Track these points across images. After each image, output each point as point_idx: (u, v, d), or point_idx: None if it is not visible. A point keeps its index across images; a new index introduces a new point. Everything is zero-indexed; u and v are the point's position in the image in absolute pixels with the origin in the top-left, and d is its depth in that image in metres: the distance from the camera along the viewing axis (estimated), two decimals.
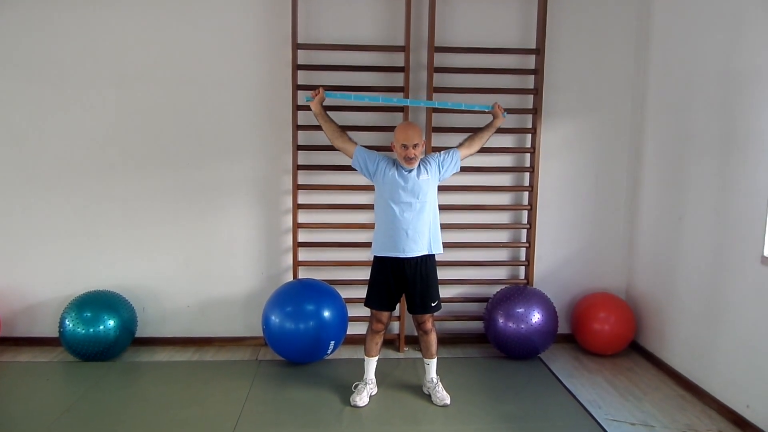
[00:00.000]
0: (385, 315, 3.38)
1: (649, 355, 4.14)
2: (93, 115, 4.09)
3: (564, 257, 4.43)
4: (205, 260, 4.29)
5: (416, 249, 3.23)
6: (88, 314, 3.92)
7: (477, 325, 4.39)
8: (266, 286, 4.31)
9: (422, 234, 3.24)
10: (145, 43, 4.05)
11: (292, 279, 4.23)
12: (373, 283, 3.35)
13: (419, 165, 3.25)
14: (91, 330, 3.90)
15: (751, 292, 3.17)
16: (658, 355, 4.04)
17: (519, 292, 4.07)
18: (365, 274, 4.19)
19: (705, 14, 3.57)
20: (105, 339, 3.91)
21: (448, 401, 3.37)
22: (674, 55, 3.90)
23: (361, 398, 3.35)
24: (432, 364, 3.47)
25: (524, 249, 4.35)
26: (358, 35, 4.09)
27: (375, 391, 3.48)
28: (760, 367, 3.11)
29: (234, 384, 3.63)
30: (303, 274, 4.23)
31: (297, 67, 4.00)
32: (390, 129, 4.11)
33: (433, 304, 3.34)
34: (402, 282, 3.30)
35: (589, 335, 4.16)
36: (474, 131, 3.53)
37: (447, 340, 4.35)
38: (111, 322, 3.94)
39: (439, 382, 3.46)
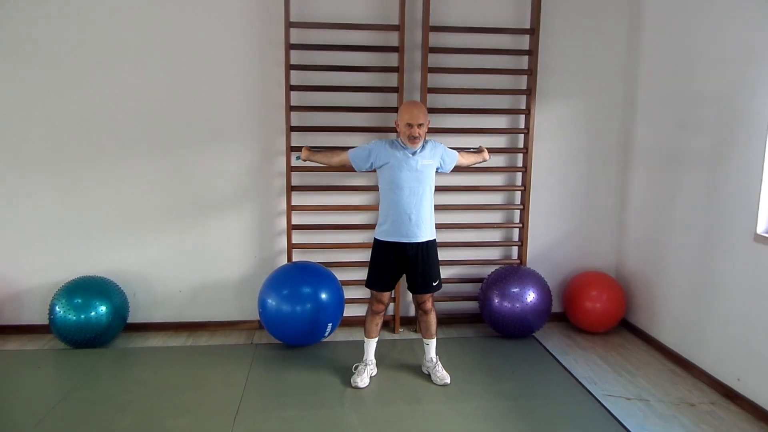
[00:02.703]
0: (386, 296, 3.38)
1: (639, 332, 4.23)
2: (80, 97, 3.97)
3: (556, 237, 4.48)
4: (197, 244, 4.23)
5: (419, 234, 3.23)
6: (79, 300, 3.84)
7: (471, 306, 4.43)
8: (260, 269, 4.27)
9: (425, 219, 3.24)
10: (133, 24, 3.93)
11: (286, 262, 4.20)
12: (374, 265, 3.34)
13: (424, 148, 3.24)
14: (83, 316, 3.82)
15: (744, 269, 3.24)
16: (648, 332, 4.13)
17: (513, 271, 4.11)
18: (361, 256, 4.24)
19: None
20: (97, 325, 3.84)
21: (448, 380, 3.40)
22: (667, 38, 3.93)
23: (362, 379, 3.36)
24: (432, 344, 3.49)
25: (517, 229, 4.38)
26: (352, 14, 4.03)
27: (375, 372, 3.49)
28: (750, 341, 3.20)
29: (232, 368, 3.61)
30: (297, 256, 4.21)
31: (290, 47, 3.93)
32: (380, 130, 4.10)
33: (434, 284, 3.36)
34: (404, 263, 3.30)
35: (581, 313, 4.23)
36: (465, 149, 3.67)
37: (442, 320, 4.35)
38: (102, 308, 3.87)
39: (439, 362, 3.48)
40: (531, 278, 4.07)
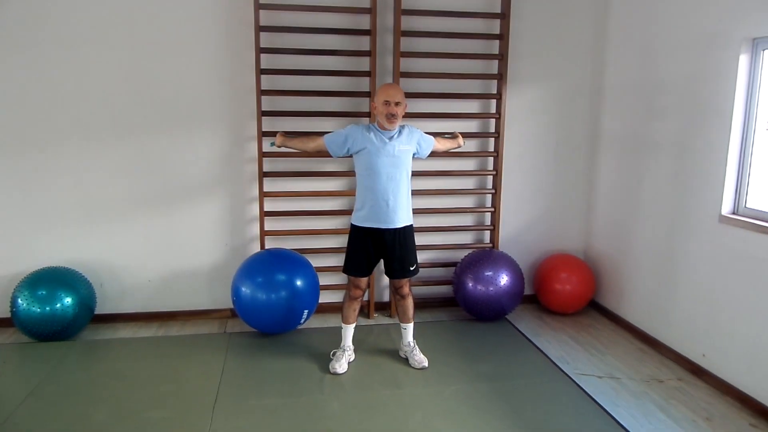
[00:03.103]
0: (363, 281, 3.38)
1: (607, 312, 4.35)
2: (39, 80, 3.80)
3: (526, 221, 4.55)
4: (166, 232, 4.12)
5: (397, 220, 3.23)
6: (43, 292, 3.71)
7: (444, 290, 4.46)
8: (231, 257, 4.20)
9: (402, 205, 3.23)
10: (95, 2, 3.76)
11: (259, 249, 4.14)
12: (351, 251, 3.32)
13: (401, 134, 3.22)
14: (48, 308, 3.69)
15: (709, 250, 3.36)
16: (616, 312, 4.25)
17: (487, 255, 4.16)
18: (335, 242, 4.22)
19: None
20: (63, 317, 3.72)
21: (426, 364, 3.43)
22: (633, 25, 4.00)
23: (341, 365, 3.36)
24: (409, 329, 3.51)
25: (489, 214, 4.43)
26: None
27: (353, 357, 3.49)
28: (715, 319, 3.33)
29: (207, 357, 3.55)
30: (270, 243, 4.15)
31: (260, 29, 3.84)
32: (353, 115, 4.07)
33: (411, 268, 3.37)
34: (381, 249, 3.30)
35: (552, 295, 4.32)
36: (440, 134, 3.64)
37: (416, 305, 4.35)
38: (68, 300, 3.74)
39: (416, 346, 3.51)
40: (504, 262, 4.12)
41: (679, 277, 3.61)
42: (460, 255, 4.37)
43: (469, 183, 4.42)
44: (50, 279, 3.80)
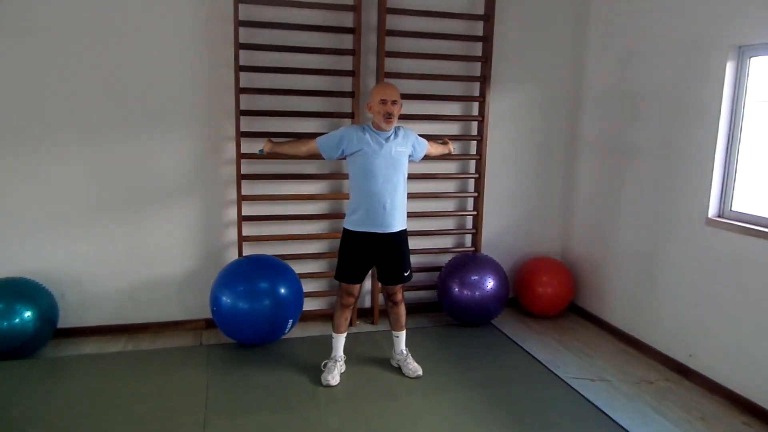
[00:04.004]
0: (356, 288, 3.25)
1: (587, 315, 4.38)
2: None
3: (506, 224, 4.53)
4: (135, 239, 3.86)
5: (394, 224, 3.12)
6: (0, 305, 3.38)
7: (426, 294, 4.38)
8: (205, 264, 3.98)
9: (399, 209, 3.13)
10: None
11: (236, 255, 3.94)
12: (345, 256, 3.19)
13: (397, 135, 3.11)
14: (5, 324, 3.36)
15: (695, 252, 3.42)
16: (597, 314, 4.29)
17: (471, 259, 4.11)
18: (316, 247, 4.08)
19: None
20: (22, 333, 3.40)
21: (420, 372, 3.33)
22: (614, 29, 4.06)
23: (333, 377, 3.22)
24: (401, 336, 3.41)
25: (471, 217, 4.38)
26: None
27: (344, 368, 3.35)
28: (701, 320, 3.39)
29: (187, 373, 3.33)
30: (247, 249, 3.95)
31: (239, 23, 3.64)
32: (335, 115, 3.95)
33: (405, 274, 3.26)
34: (376, 254, 3.18)
35: (534, 298, 4.31)
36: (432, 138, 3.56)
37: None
38: (28, 313, 3.43)
39: (409, 354, 3.41)
40: (489, 265, 4.08)
41: (663, 279, 3.66)
42: (442, 259, 4.31)
43: (451, 186, 4.36)
44: (7, 291, 3.47)
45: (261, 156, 3.32)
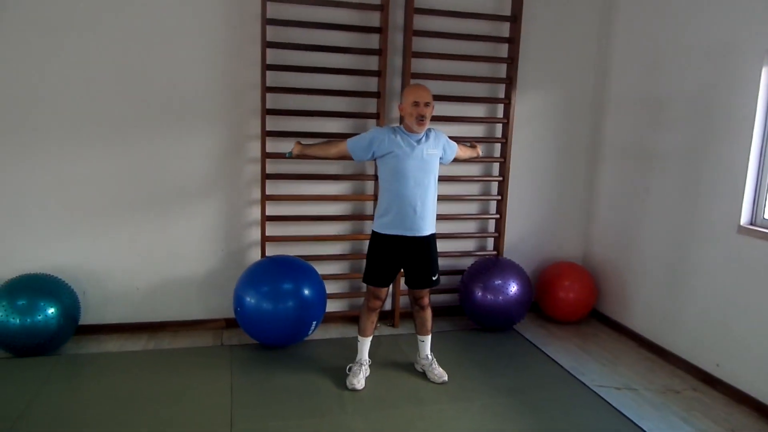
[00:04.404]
0: (384, 291, 3.22)
1: (609, 321, 4.34)
2: (17, 70, 3.44)
3: (527, 228, 4.49)
4: (156, 236, 3.83)
5: (424, 227, 3.09)
6: (23, 302, 3.37)
7: (447, 298, 4.35)
8: (227, 263, 3.95)
9: (429, 212, 3.10)
10: None
11: (259, 255, 3.91)
12: (373, 259, 3.16)
13: (428, 137, 3.08)
14: (29, 320, 3.35)
15: (726, 260, 3.38)
16: (619, 321, 4.25)
17: (494, 263, 4.07)
18: (337, 248, 4.06)
19: None
20: (45, 329, 3.38)
21: (446, 378, 3.30)
22: (639, 34, 4.01)
23: (359, 381, 3.19)
24: (427, 341, 3.38)
25: (494, 220, 4.35)
26: None
27: (368, 372, 3.32)
28: (730, 329, 3.35)
29: (210, 374, 3.31)
30: (270, 249, 3.92)
31: (267, 22, 3.61)
32: (360, 116, 3.92)
33: (434, 278, 3.23)
34: (405, 257, 3.15)
35: (555, 303, 4.28)
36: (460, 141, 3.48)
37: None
38: (51, 310, 3.41)
39: (434, 359, 3.38)
40: (512, 270, 4.05)
41: (691, 287, 3.62)
42: (463, 262, 4.27)
43: (474, 189, 4.32)
44: (31, 287, 3.46)
45: (289, 157, 3.28)
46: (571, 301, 4.25)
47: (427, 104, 2.98)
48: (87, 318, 3.76)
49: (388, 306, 4.24)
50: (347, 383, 3.19)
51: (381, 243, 3.13)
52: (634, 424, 2.99)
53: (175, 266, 3.90)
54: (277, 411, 2.94)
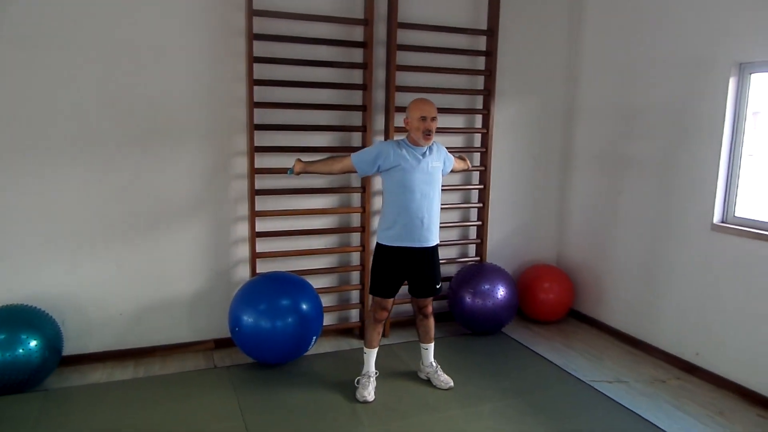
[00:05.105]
0: (390, 302, 3.24)
1: (588, 319, 4.54)
2: None
3: (506, 234, 4.64)
4: (139, 258, 3.68)
5: (431, 238, 3.15)
6: (1, 336, 3.14)
7: (434, 305, 4.37)
8: (214, 283, 3.85)
9: (435, 223, 3.16)
10: None
11: (246, 272, 3.84)
12: (380, 271, 3.17)
13: (431, 150, 3.14)
14: (8, 354, 3.13)
15: (701, 256, 3.63)
16: (596, 318, 4.46)
17: (481, 269, 4.18)
18: (325, 261, 4.04)
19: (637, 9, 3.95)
20: (27, 364, 3.17)
21: (452, 384, 3.36)
22: (609, 45, 4.26)
23: (369, 392, 3.19)
24: (430, 349, 3.42)
25: (475, 227, 4.46)
26: (317, 5, 3.77)
27: (375, 383, 3.32)
28: (707, 319, 3.60)
29: (214, 397, 3.21)
30: (259, 266, 3.85)
31: (253, 37, 3.57)
32: (347, 129, 3.95)
33: (438, 287, 3.29)
34: (410, 268, 3.18)
35: (536, 305, 4.43)
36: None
37: (408, 322, 4.26)
38: (33, 342, 3.20)
39: (439, 366, 3.42)
40: (499, 275, 4.17)
41: (667, 282, 3.85)
42: (447, 270, 4.35)
43: (455, 197, 4.42)
44: (8, 319, 3.24)
45: (290, 176, 3.25)
46: (552, 302, 4.41)
47: (433, 119, 3.04)
48: (67, 348, 3.55)
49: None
50: (357, 396, 3.19)
51: (387, 255, 3.15)
52: (635, 413, 3.15)
53: (160, 288, 3.75)
54: (293, 429, 2.89)
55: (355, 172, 3.16)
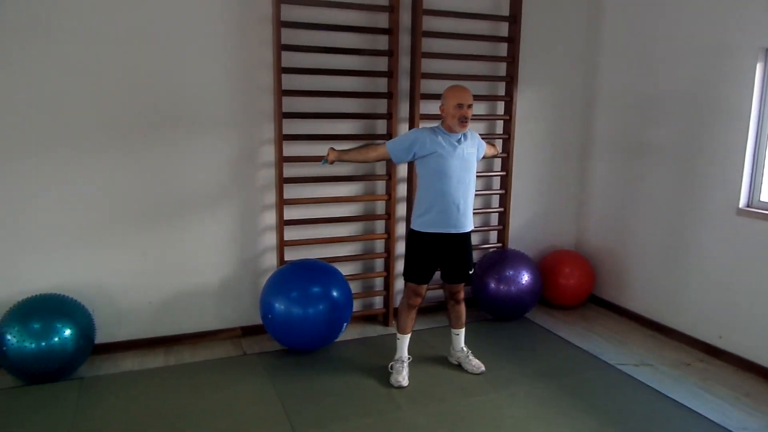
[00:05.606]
0: (424, 288, 3.27)
1: (608, 304, 4.59)
2: (18, 78, 3.21)
3: (527, 220, 4.67)
4: (167, 247, 3.69)
5: (467, 224, 3.18)
6: (37, 325, 3.15)
7: None
8: (241, 271, 3.87)
9: (470, 209, 3.18)
10: None
11: (273, 260, 3.86)
12: (414, 257, 3.20)
13: (466, 137, 3.15)
14: (43, 344, 3.14)
15: (726, 240, 3.67)
16: (618, 303, 4.50)
17: (505, 255, 4.22)
18: (350, 249, 4.08)
19: None
20: (62, 352, 3.18)
21: (483, 368, 3.40)
22: (629, 32, 4.26)
23: (403, 377, 3.23)
24: (461, 334, 3.46)
25: (497, 214, 4.49)
26: None
27: (408, 369, 3.35)
28: (731, 303, 3.65)
29: (250, 384, 3.24)
30: (288, 254, 3.86)
31: (281, 24, 3.55)
32: (373, 116, 3.95)
33: (470, 273, 3.32)
34: (445, 254, 3.21)
35: (557, 290, 4.47)
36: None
37: (430, 308, 4.31)
38: (67, 331, 3.21)
39: (470, 351, 3.46)
40: (522, 261, 4.20)
41: (691, 267, 3.89)
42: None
43: (477, 184, 4.40)
44: (43, 308, 3.25)
45: (324, 165, 3.26)
46: (572, 287, 4.46)
47: (469, 106, 3.06)
48: (98, 337, 3.55)
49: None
50: (392, 381, 3.22)
51: (422, 241, 3.17)
52: (665, 395, 3.21)
53: (188, 277, 3.76)
54: (333, 413, 2.93)
55: (390, 159, 3.17)
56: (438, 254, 3.20)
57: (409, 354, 3.39)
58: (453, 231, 3.14)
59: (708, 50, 3.69)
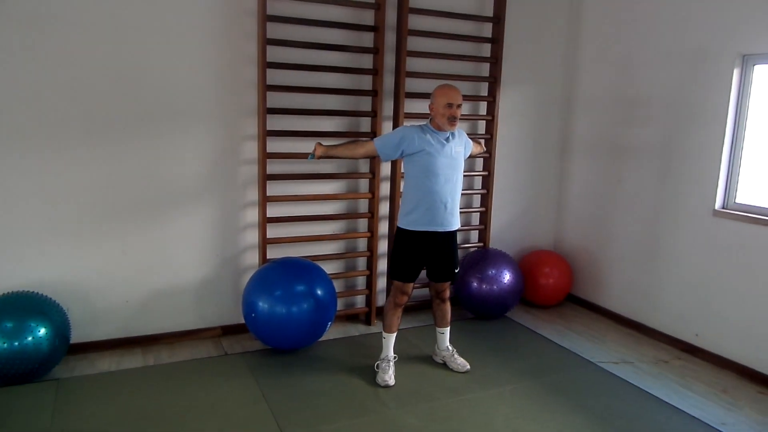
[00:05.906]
0: (410, 286, 3.25)
1: (586, 303, 4.65)
2: None
3: (507, 220, 4.71)
4: (145, 245, 3.59)
5: (453, 222, 3.18)
6: (9, 324, 3.02)
7: None
8: (222, 269, 3.79)
9: (457, 208, 3.19)
10: None
11: (255, 259, 3.79)
12: (401, 255, 3.18)
13: (454, 135, 3.15)
14: (16, 343, 3.01)
15: (702, 241, 3.76)
16: (595, 302, 4.57)
17: (487, 254, 4.24)
18: (332, 247, 4.04)
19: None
20: (36, 352, 3.06)
21: (468, 367, 3.41)
22: (608, 36, 4.34)
23: (390, 377, 3.21)
24: (446, 333, 3.46)
25: (479, 213, 4.51)
26: None
27: (394, 368, 3.33)
28: (707, 302, 3.74)
29: (234, 384, 3.17)
30: (270, 252, 3.80)
31: (266, 18, 3.50)
32: (357, 114, 3.93)
33: (456, 271, 3.32)
34: (431, 253, 3.20)
35: (537, 289, 4.52)
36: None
37: (413, 307, 4.31)
38: (42, 330, 3.09)
39: (455, 350, 3.46)
40: (504, 260, 4.23)
41: (668, 267, 3.98)
42: None
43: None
44: (16, 306, 3.13)
45: (311, 160, 3.22)
46: (551, 287, 4.51)
47: (459, 105, 3.06)
48: (74, 336, 3.43)
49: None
50: (378, 380, 3.20)
51: (409, 239, 3.16)
52: (646, 392, 3.26)
53: (167, 275, 3.67)
54: (321, 414, 2.88)
55: (378, 156, 3.15)
56: (425, 252, 3.19)
57: (394, 353, 3.38)
58: (440, 229, 3.14)
59: (687, 55, 3.78)
